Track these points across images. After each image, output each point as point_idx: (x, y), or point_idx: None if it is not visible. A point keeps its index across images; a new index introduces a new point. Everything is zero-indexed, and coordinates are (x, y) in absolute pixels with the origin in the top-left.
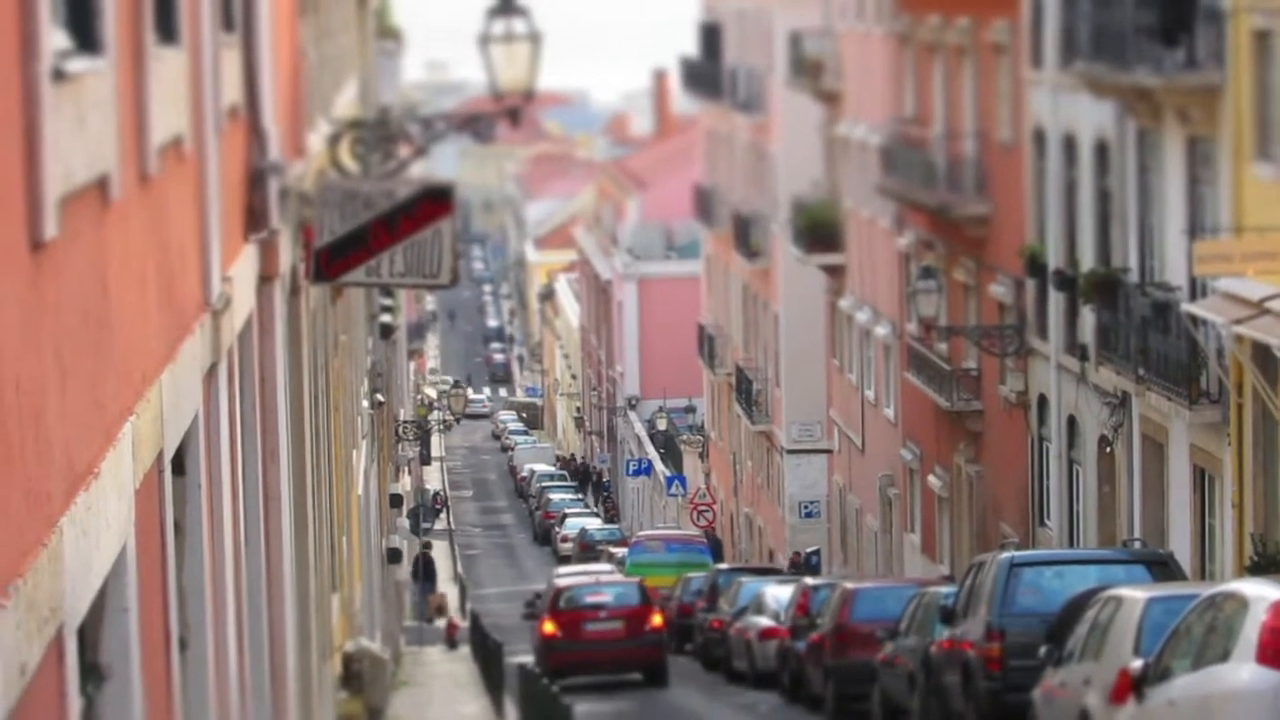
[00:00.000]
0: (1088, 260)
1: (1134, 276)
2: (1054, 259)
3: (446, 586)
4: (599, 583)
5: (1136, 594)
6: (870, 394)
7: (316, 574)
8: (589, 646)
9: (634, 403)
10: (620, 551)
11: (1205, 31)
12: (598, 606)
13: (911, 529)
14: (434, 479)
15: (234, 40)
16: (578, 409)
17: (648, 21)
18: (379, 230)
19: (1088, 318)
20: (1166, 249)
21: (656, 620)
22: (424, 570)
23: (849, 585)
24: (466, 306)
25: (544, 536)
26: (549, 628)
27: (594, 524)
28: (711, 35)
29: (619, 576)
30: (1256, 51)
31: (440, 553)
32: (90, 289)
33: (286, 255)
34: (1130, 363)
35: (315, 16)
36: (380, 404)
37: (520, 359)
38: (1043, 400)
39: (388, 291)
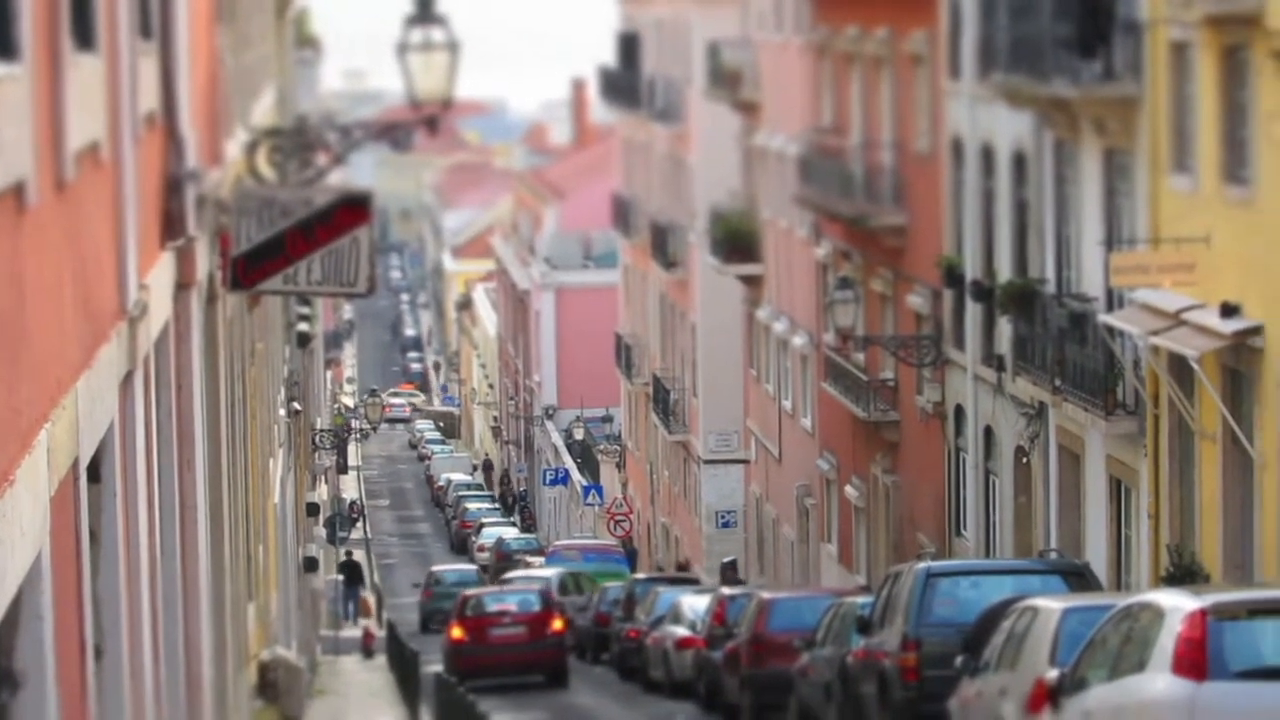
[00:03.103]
0: (1005, 271)
1: (1051, 287)
2: (971, 269)
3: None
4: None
5: (1053, 604)
6: (788, 404)
7: (233, 582)
8: (494, 650)
9: (551, 412)
10: (537, 560)
11: (1123, 43)
12: (502, 613)
13: (828, 539)
14: (351, 488)
15: (151, 47)
16: (495, 418)
17: (566, 31)
18: (296, 238)
19: (1005, 328)
20: (1083, 260)
21: (557, 624)
22: (349, 574)
23: (765, 595)
24: (384, 315)
25: (461, 546)
26: (457, 633)
27: (511, 533)
28: (629, 45)
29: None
30: (1174, 63)
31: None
32: (5, 295)
33: (203, 263)
34: (1047, 373)
35: (233, 24)
36: (297, 412)
37: (437, 367)
38: (959, 411)
39: (305, 300)
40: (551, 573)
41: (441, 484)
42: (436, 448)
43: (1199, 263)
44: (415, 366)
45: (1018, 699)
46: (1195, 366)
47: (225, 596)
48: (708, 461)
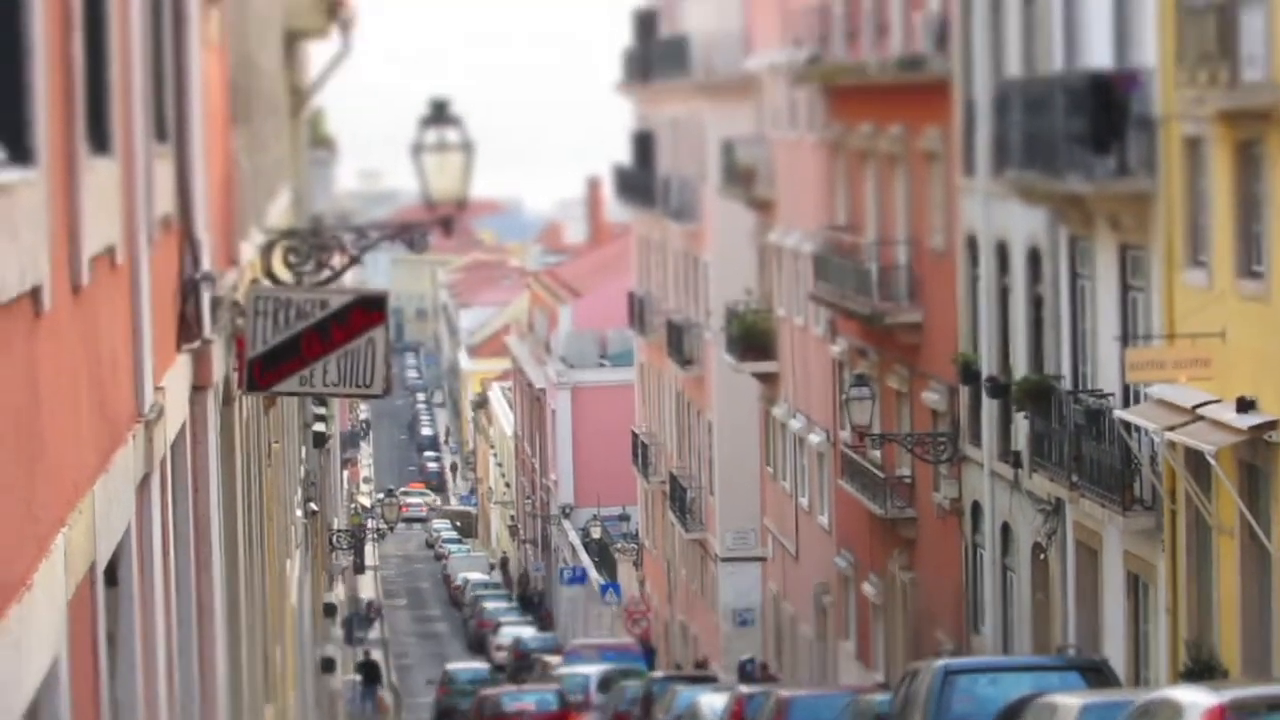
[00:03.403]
0: (1021, 367)
1: (1067, 383)
2: (987, 366)
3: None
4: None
5: (1071, 701)
6: (804, 501)
7: (250, 684)
8: None
9: (568, 511)
10: (555, 660)
11: (1136, 138)
12: (520, 713)
13: (846, 636)
14: (368, 588)
15: (167, 150)
16: (512, 517)
17: (581, 130)
18: (312, 340)
19: (1021, 424)
20: (1099, 356)
21: None
22: (368, 675)
23: (783, 693)
24: (400, 414)
25: (478, 645)
26: None
27: (529, 632)
28: (644, 143)
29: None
30: (1187, 158)
31: None
32: (22, 399)
33: (220, 365)
34: (1063, 469)
35: (248, 126)
36: (314, 513)
37: (454, 467)
38: (976, 507)
39: (321, 400)
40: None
41: (459, 583)
42: (453, 547)
43: (1215, 358)
44: (432, 466)
45: None
46: (1212, 462)
47: (243, 698)
48: (725, 559)
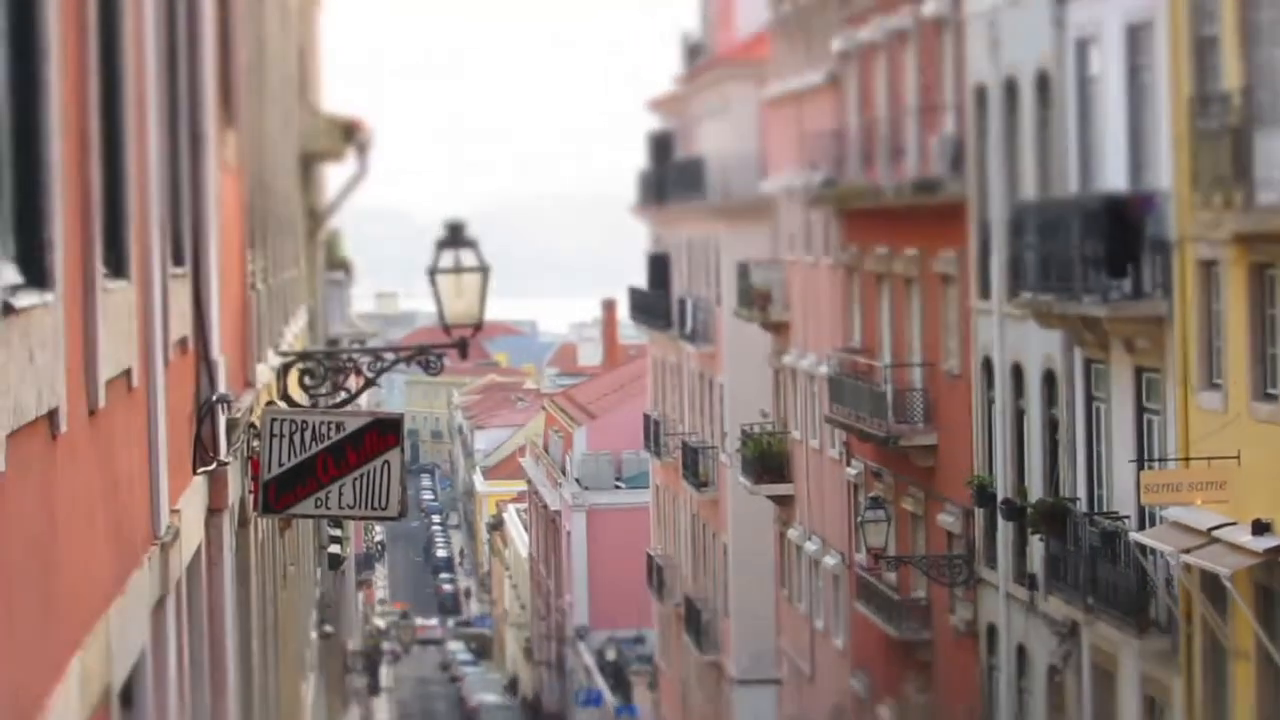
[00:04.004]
0: (1036, 490)
1: (1082, 506)
2: (1002, 488)
3: None
4: None
5: None
6: (820, 624)
7: None
8: None
9: (583, 633)
10: None
11: (1151, 261)
12: None
13: None
14: (383, 710)
15: (183, 273)
16: (527, 639)
17: (596, 252)
18: (327, 462)
19: (1036, 547)
20: (1115, 478)
21: None
22: None
23: None
24: (415, 536)
25: None
26: None
27: None
28: (659, 265)
29: None
30: (1202, 281)
31: None
32: (38, 523)
33: (235, 487)
34: (1079, 592)
35: (265, 248)
36: (329, 635)
37: (469, 591)
38: (992, 629)
39: (336, 522)
40: None
41: (473, 704)
42: (469, 669)
43: (1230, 480)
44: (447, 588)
45: None
46: (1228, 584)
47: None
48: (741, 682)
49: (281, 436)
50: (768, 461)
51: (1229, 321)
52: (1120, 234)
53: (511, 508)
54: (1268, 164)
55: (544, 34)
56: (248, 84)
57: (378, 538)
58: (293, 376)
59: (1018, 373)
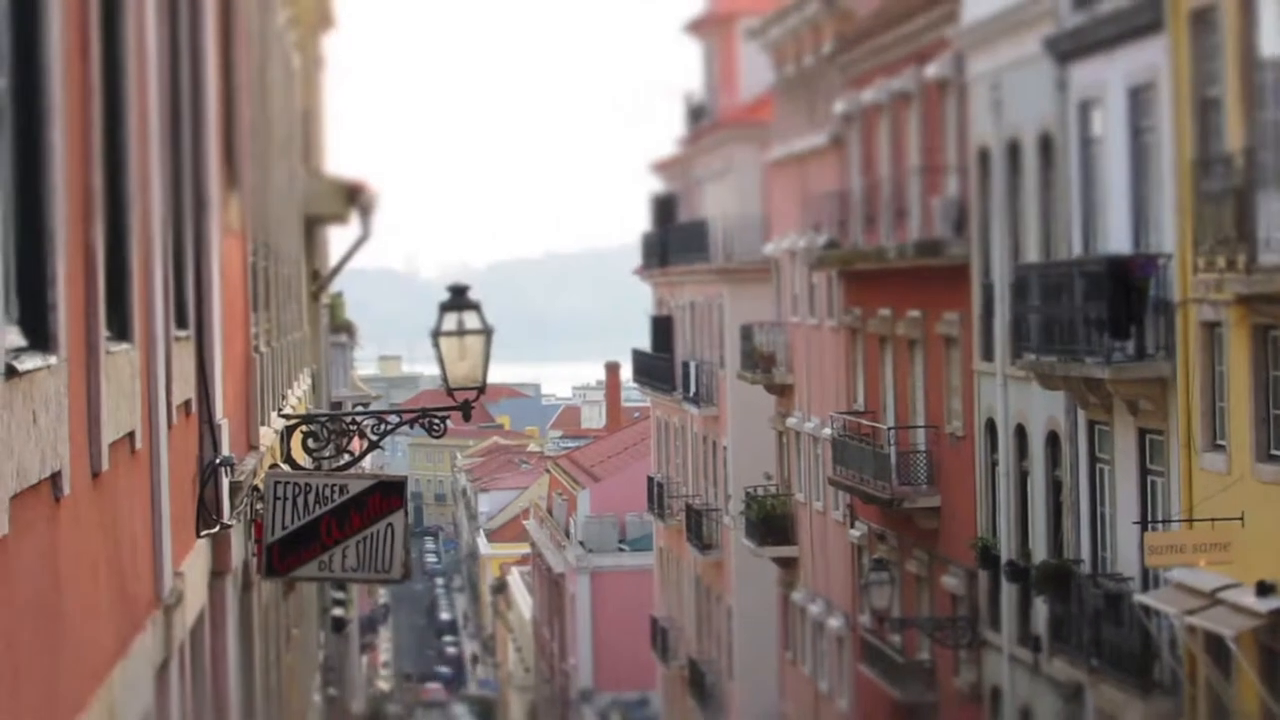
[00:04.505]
0: (1040, 551)
1: (1086, 567)
2: (1006, 550)
3: None
4: None
5: None
6: (824, 686)
7: None
8: None
9: (588, 695)
10: None
11: (1154, 323)
12: None
13: None
14: None
15: (187, 336)
16: (532, 702)
17: (600, 315)
18: (330, 525)
19: (1040, 609)
20: (1118, 540)
21: None
22: None
23: None
24: (419, 599)
25: None
26: None
27: None
28: (663, 328)
29: None
30: (1206, 342)
31: None
32: (42, 585)
33: (238, 550)
34: (1083, 654)
35: (268, 311)
36: (332, 698)
37: (474, 658)
38: (996, 692)
39: (340, 585)
40: None
41: None
42: None
43: (1234, 542)
44: (451, 650)
45: None
46: (1232, 646)
47: None
48: None
49: (285, 499)
50: (771, 524)
51: (1232, 383)
52: (1123, 296)
53: (515, 570)
54: (1270, 226)
55: (549, 95)
56: (251, 146)
57: (381, 600)
58: (296, 439)
59: (1021, 434)
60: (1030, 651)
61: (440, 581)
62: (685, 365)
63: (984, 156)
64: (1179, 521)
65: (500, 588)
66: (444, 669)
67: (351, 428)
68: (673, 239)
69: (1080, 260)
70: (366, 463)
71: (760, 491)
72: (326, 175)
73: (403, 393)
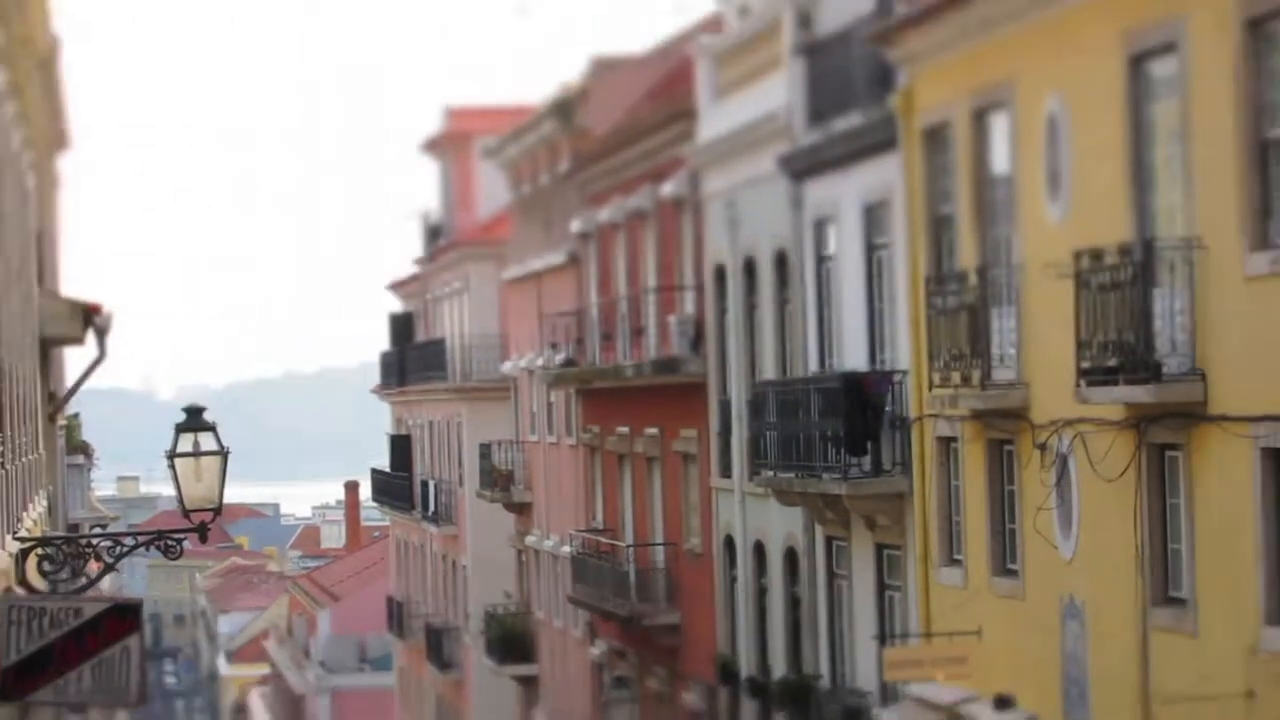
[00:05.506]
0: (779, 667)
1: (826, 683)
2: (746, 666)
3: None
4: None
5: None
6: None
7: None
8: None
9: None
10: None
11: (890, 439)
12: None
13: None
14: None
15: None
16: None
17: (339, 434)
18: (66, 648)
19: None
20: (857, 655)
21: None
22: None
23: None
24: None
25: None
26: None
27: None
28: (401, 446)
29: None
30: (941, 458)
31: None
32: None
33: None
34: None
35: (3, 434)
36: None
37: None
38: None
39: (77, 709)
40: None
41: None
42: None
43: (971, 656)
44: None
45: None
46: None
47: None
48: None
49: (19, 624)
50: (511, 642)
51: (968, 498)
52: (859, 412)
53: (256, 691)
54: (1003, 342)
55: (286, 212)
56: None
57: None
58: (31, 563)
59: (760, 551)
60: None
61: (180, 703)
62: (424, 484)
63: (720, 274)
64: (917, 636)
65: (241, 709)
66: None
67: (88, 550)
68: (411, 358)
69: (816, 377)
70: (105, 585)
71: (500, 610)
72: (62, 296)
73: (141, 513)
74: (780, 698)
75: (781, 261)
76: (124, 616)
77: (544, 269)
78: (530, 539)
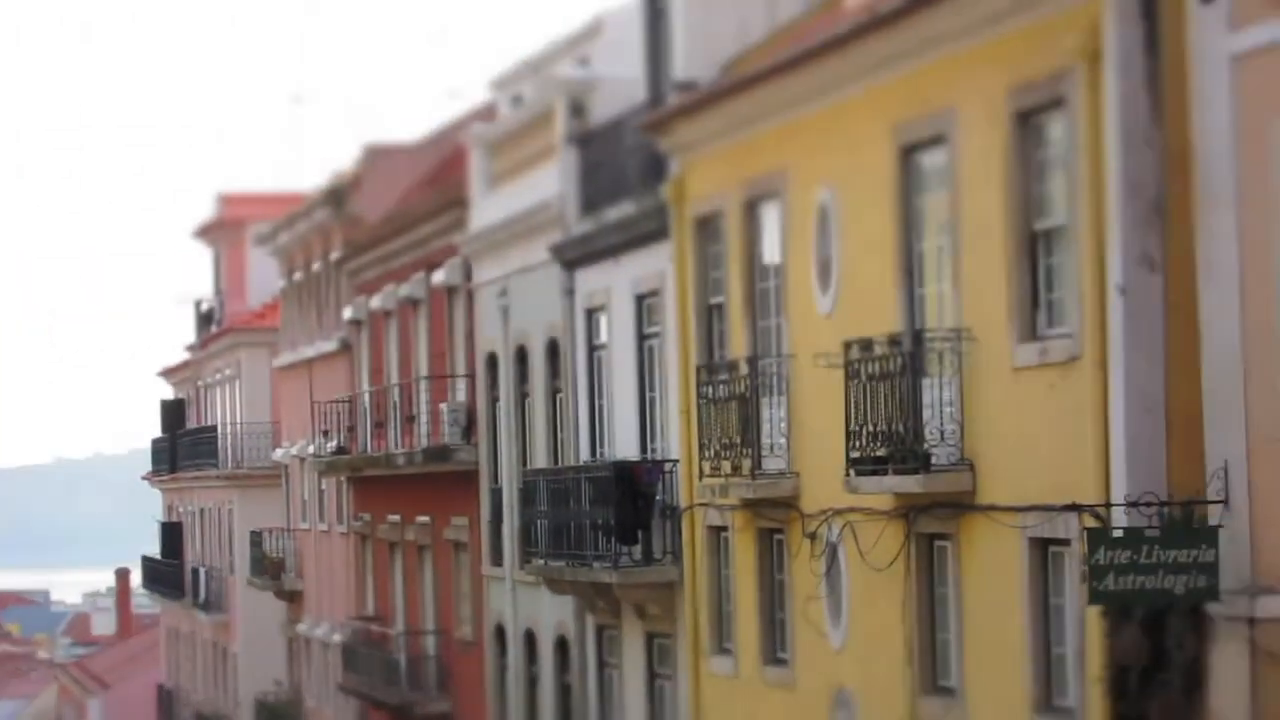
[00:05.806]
0: None
1: None
2: None
3: None
4: None
5: None
6: None
7: None
8: None
9: None
10: None
11: (661, 528)
12: None
13: None
14: None
15: None
16: None
17: (110, 520)
18: None
19: None
20: None
21: None
22: None
23: None
24: None
25: None
26: None
27: None
28: (172, 534)
29: None
30: (712, 547)
31: None
32: None
33: None
34: None
35: None
36: None
37: None
38: None
39: None
40: None
41: None
42: None
43: None
44: None
45: None
46: None
47: None
48: None
49: None
50: None
51: (738, 586)
52: (630, 501)
53: None
54: (773, 431)
55: (55, 299)
56: None
57: None
58: None
59: (530, 639)
60: None
61: None
62: (195, 571)
63: (492, 362)
64: None
65: None
66: None
67: None
68: (182, 444)
69: (588, 466)
70: None
71: (271, 698)
72: None
73: None
74: None
75: (553, 350)
76: None
77: (316, 356)
78: (301, 627)
